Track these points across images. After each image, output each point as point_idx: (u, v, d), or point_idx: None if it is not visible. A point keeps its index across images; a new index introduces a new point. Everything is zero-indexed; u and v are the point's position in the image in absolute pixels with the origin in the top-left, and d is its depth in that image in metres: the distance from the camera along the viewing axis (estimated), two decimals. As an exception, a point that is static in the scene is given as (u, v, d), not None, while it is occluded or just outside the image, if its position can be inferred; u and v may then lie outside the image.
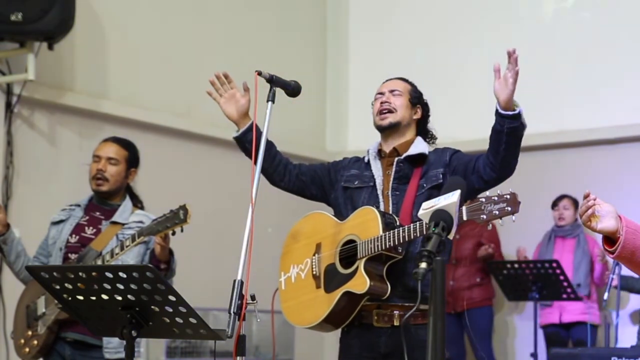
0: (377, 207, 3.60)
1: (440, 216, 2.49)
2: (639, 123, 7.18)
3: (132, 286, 2.84)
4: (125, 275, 2.82)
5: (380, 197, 3.67)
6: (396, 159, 3.71)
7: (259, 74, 3.42)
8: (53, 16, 5.67)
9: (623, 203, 6.45)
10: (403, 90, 3.79)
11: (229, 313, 3.02)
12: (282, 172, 3.86)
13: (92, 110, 6.47)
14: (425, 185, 3.63)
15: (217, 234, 6.94)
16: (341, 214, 3.73)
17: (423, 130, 3.84)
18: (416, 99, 3.80)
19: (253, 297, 3.12)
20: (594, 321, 6.85)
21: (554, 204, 7.15)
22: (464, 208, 3.27)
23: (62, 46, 6.08)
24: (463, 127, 7.48)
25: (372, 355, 3.60)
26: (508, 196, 3.21)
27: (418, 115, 3.80)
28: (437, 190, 3.57)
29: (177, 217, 4.01)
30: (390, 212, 3.60)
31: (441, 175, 3.63)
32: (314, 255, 3.70)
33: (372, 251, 3.48)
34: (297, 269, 3.74)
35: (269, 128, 3.41)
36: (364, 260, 3.50)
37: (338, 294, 3.54)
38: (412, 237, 3.40)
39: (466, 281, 7.18)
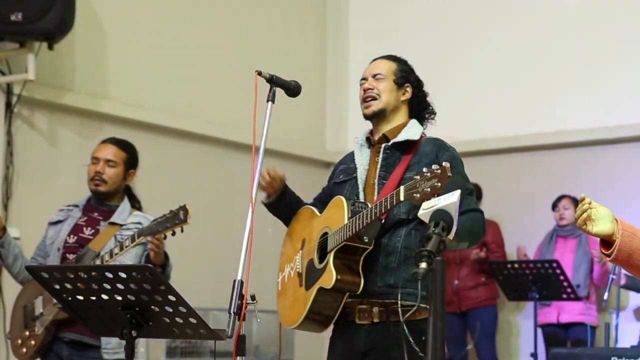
0: (357, 199, 3.45)
1: (440, 216, 2.48)
2: (639, 123, 7.19)
3: (132, 286, 2.84)
4: (125, 275, 2.82)
5: (361, 187, 3.50)
6: (383, 145, 3.53)
7: (259, 74, 3.39)
8: (53, 16, 5.67)
9: (623, 203, 6.47)
10: (387, 73, 3.58)
11: (229, 313, 3.00)
12: None
13: (92, 110, 6.47)
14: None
15: (217, 234, 6.94)
16: None
17: (418, 108, 3.62)
18: (403, 79, 3.58)
19: (253, 297, 3.10)
20: (592, 322, 6.82)
21: (554, 205, 7.13)
22: (401, 188, 3.14)
23: (62, 46, 6.07)
24: (463, 126, 7.48)
25: (352, 354, 3.44)
26: (439, 170, 3.03)
27: (408, 96, 3.58)
28: None
29: (177, 218, 4.00)
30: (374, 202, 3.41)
31: None
32: (299, 251, 3.59)
33: (338, 242, 3.33)
34: (289, 267, 3.64)
35: (269, 128, 3.41)
36: (333, 252, 3.35)
37: (314, 291, 3.38)
38: (368, 221, 3.24)
39: (471, 280, 7.18)
